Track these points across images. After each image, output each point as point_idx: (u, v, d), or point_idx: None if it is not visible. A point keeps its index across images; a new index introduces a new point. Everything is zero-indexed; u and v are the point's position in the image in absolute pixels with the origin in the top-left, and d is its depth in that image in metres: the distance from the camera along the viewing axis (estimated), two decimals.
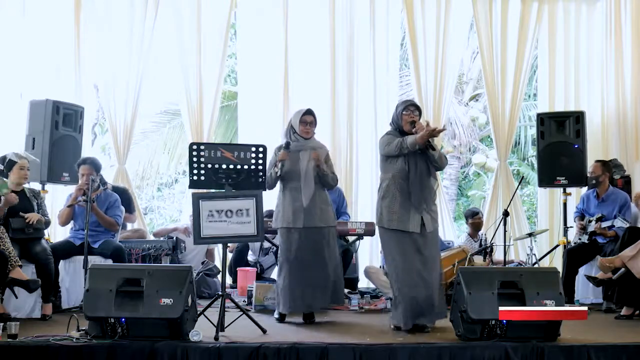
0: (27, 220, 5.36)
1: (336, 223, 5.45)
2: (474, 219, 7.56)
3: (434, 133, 4.68)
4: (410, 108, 4.89)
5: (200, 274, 6.66)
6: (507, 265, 6.69)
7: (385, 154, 4.89)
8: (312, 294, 5.13)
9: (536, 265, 6.89)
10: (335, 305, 5.51)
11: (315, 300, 5.16)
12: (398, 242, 4.77)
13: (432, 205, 4.88)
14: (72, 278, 5.82)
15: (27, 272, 5.22)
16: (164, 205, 14.46)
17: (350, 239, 6.55)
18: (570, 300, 6.07)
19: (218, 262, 7.17)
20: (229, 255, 6.73)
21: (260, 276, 6.71)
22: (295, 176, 5.20)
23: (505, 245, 6.73)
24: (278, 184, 5.31)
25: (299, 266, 5.13)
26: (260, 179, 4.94)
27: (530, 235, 7.24)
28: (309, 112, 5.29)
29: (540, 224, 8.36)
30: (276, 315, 5.30)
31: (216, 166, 4.80)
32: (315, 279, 5.13)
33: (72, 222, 5.99)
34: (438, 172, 5.36)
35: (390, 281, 4.92)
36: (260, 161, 4.89)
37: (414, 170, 4.77)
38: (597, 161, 6.70)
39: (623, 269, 5.41)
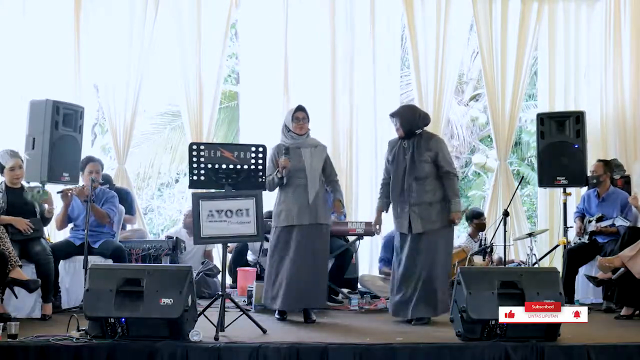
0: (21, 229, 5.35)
1: (332, 222, 5.48)
2: (479, 220, 7.47)
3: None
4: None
5: (200, 274, 6.65)
6: (507, 265, 6.69)
7: None
8: (309, 292, 5.14)
9: (536, 265, 6.89)
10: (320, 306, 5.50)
11: (311, 298, 5.17)
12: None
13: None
14: (72, 278, 5.82)
15: (27, 272, 5.21)
16: (164, 205, 14.43)
17: (350, 239, 6.55)
18: (570, 300, 6.06)
19: (217, 262, 7.17)
20: (229, 256, 6.72)
21: (260, 276, 6.70)
22: (298, 173, 5.21)
23: (505, 245, 6.73)
24: None
25: (297, 263, 5.14)
26: (260, 179, 4.94)
27: (530, 235, 7.24)
28: (300, 109, 5.30)
29: (540, 224, 8.35)
30: (277, 315, 5.30)
31: (216, 166, 4.80)
32: (314, 277, 5.14)
33: (71, 222, 5.99)
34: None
35: None
36: (260, 161, 4.89)
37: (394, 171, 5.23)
38: (600, 160, 6.70)
39: (623, 269, 5.42)
